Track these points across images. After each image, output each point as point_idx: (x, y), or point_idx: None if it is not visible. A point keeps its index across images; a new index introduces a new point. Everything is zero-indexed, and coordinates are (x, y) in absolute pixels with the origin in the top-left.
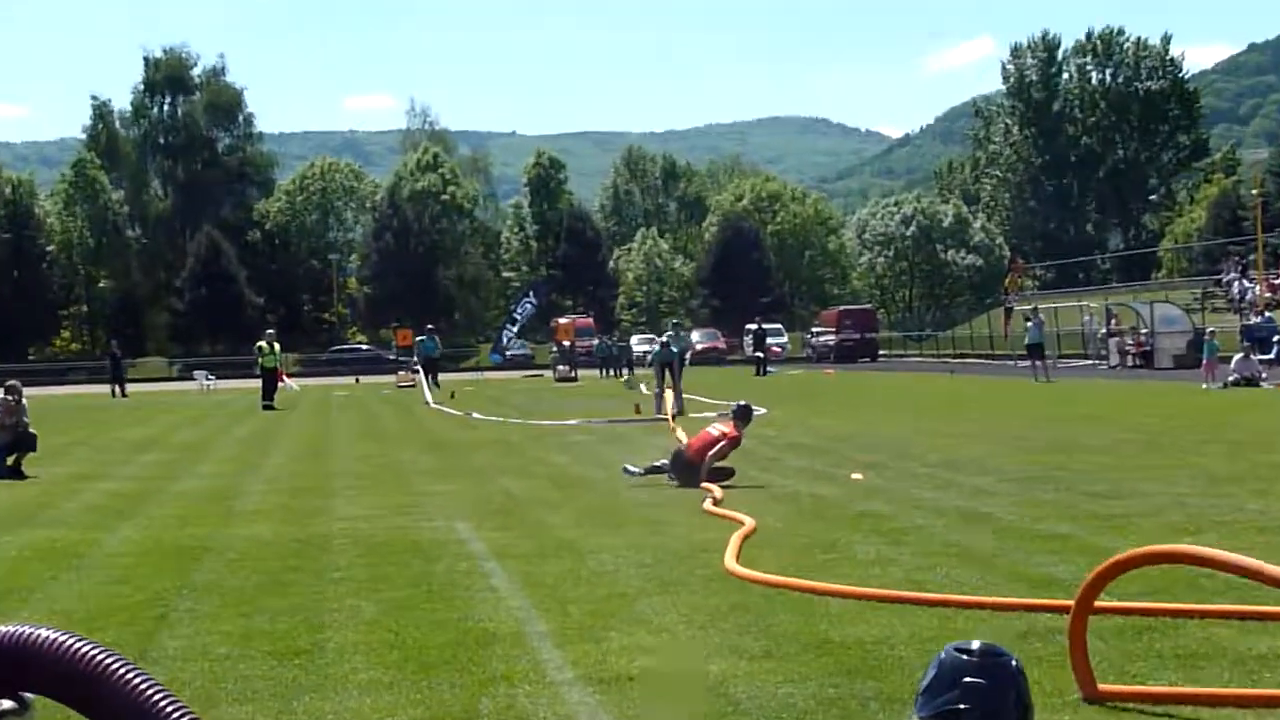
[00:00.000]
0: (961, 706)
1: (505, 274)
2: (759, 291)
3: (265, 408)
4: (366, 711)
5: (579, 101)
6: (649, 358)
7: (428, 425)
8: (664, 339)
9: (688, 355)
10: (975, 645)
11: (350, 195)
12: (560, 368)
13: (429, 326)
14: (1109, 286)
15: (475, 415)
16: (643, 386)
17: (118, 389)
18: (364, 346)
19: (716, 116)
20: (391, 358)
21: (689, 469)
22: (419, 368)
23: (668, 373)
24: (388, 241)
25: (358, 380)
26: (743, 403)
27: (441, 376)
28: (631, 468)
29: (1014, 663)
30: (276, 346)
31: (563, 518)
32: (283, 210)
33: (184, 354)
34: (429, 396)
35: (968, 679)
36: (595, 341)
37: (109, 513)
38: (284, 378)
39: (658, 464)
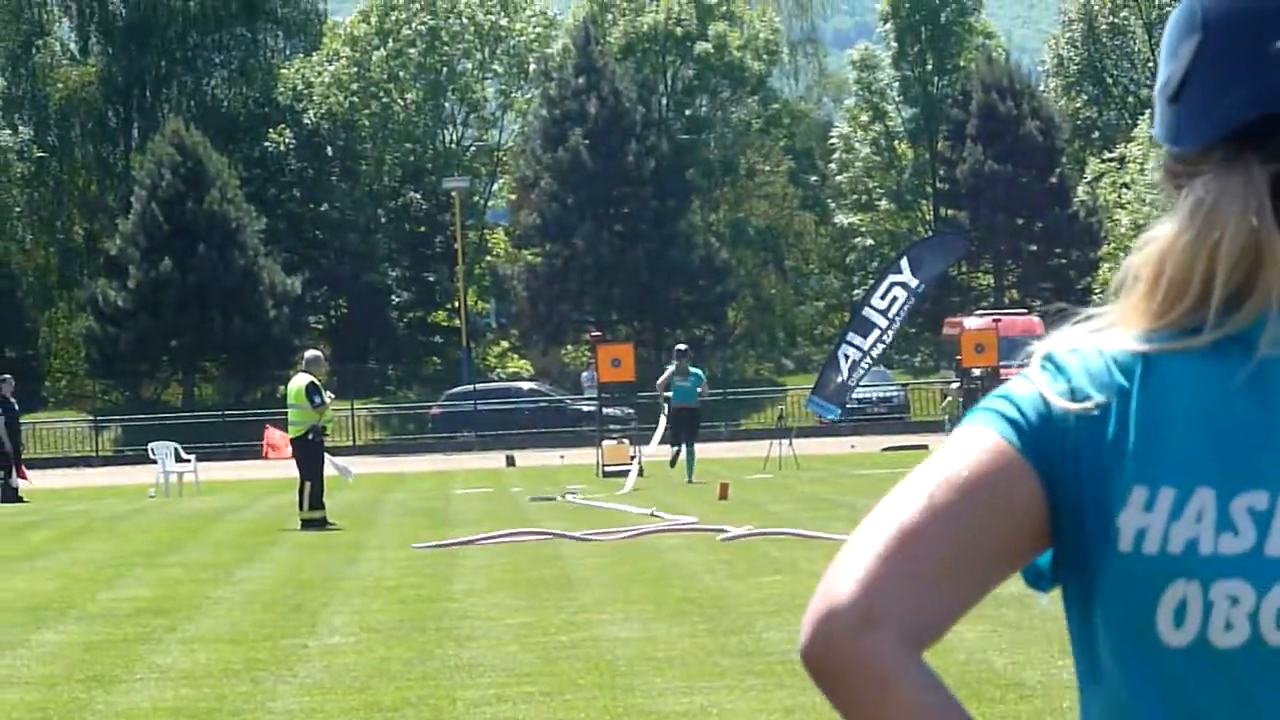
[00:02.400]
0: None
1: (841, 218)
2: None
3: (307, 524)
4: None
5: None
6: None
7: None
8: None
9: None
10: None
11: (493, 45)
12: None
13: (680, 348)
14: None
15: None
16: None
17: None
18: (525, 385)
19: None
20: (586, 407)
21: None
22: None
23: None
24: (575, 149)
25: (511, 461)
26: None
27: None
28: None
29: None
30: (324, 388)
31: None
32: (342, 82)
33: (119, 404)
34: (631, 481)
35: None
36: None
37: None
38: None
39: None
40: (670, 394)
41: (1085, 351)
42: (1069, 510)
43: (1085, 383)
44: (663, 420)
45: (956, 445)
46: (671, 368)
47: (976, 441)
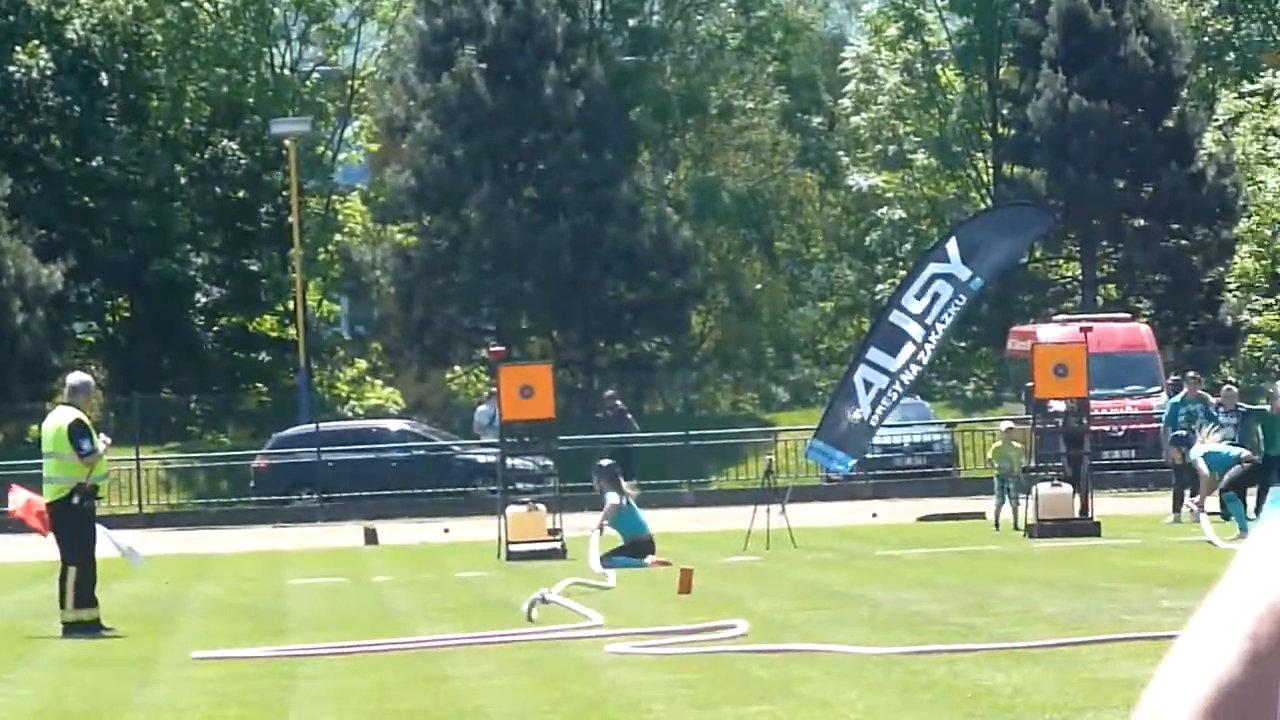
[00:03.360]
0: None
1: (858, 179)
2: None
3: (72, 628)
4: None
5: None
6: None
7: None
8: None
9: None
10: None
11: None
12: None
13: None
14: None
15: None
16: None
17: None
18: (392, 424)
19: None
20: (483, 458)
21: None
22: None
23: None
24: (466, 77)
25: (372, 537)
26: None
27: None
28: None
29: None
30: (96, 429)
31: None
32: None
33: None
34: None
35: None
36: (1164, 399)
37: None
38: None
39: None
40: (607, 523)
41: None
42: None
43: None
44: (594, 544)
45: (1265, 550)
46: (614, 497)
47: None
